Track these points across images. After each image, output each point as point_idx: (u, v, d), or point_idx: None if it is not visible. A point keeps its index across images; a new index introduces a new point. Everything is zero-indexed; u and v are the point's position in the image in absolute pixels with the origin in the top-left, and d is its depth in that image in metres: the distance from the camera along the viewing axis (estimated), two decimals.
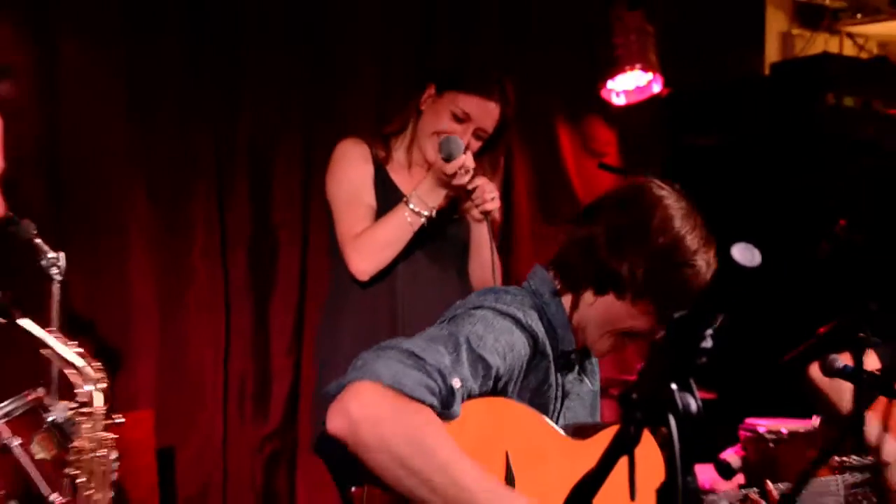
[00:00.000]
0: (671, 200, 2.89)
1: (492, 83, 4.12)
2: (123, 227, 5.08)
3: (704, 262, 2.83)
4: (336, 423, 2.52)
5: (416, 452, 2.52)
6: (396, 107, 4.17)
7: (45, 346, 2.19)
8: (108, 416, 2.28)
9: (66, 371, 2.18)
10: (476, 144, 4.09)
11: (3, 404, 3.15)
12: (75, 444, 2.20)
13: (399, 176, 4.15)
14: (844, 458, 3.27)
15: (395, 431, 2.51)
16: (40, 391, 3.17)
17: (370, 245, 3.96)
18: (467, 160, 3.90)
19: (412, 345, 2.62)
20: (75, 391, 2.28)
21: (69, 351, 2.14)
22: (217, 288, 5.37)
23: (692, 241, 2.83)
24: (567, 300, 2.98)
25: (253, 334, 5.49)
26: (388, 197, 4.06)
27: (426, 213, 3.92)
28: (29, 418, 3.15)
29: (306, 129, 5.59)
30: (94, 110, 5.02)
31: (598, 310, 2.94)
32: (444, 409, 2.58)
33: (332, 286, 4.20)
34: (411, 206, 3.93)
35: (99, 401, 2.19)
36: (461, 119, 4.05)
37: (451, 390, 2.58)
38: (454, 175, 3.88)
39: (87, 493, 2.15)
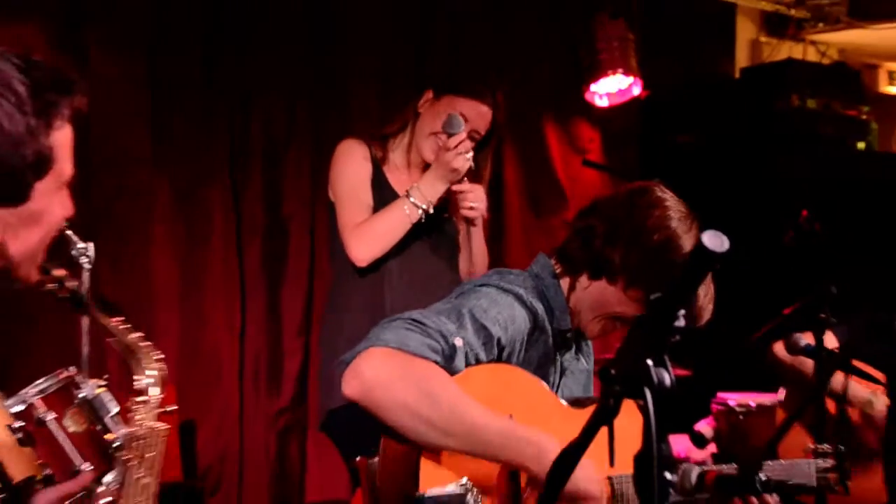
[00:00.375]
0: (671, 203, 2.89)
1: (485, 88, 4.13)
2: (147, 220, 5.10)
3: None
4: (351, 386, 2.58)
5: (425, 400, 2.56)
6: (396, 109, 4.15)
7: (111, 335, 2.15)
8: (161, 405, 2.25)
9: (128, 359, 2.14)
10: (469, 145, 4.05)
11: (37, 382, 3.12)
12: (131, 429, 2.17)
13: (394, 176, 4.14)
14: (818, 446, 3.26)
15: (403, 385, 2.56)
16: (72, 370, 3.14)
17: (370, 233, 3.95)
18: (468, 161, 3.91)
19: (417, 314, 2.67)
20: (134, 378, 2.25)
21: (135, 341, 2.11)
22: (233, 275, 5.38)
23: (686, 241, 2.82)
24: (565, 283, 2.98)
25: (266, 317, 5.50)
26: (383, 195, 4.05)
27: (424, 206, 3.91)
28: (62, 395, 3.13)
29: (314, 131, 5.58)
30: (121, 115, 5.02)
31: (591, 294, 2.94)
32: (448, 363, 2.62)
33: (334, 277, 4.20)
34: (412, 199, 3.92)
35: (156, 390, 2.13)
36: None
37: (453, 348, 2.63)
38: (458, 157, 3.89)
39: (137, 476, 2.15)
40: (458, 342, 2.64)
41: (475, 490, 2.61)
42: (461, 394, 2.61)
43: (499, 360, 2.79)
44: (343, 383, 2.58)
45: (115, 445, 2.78)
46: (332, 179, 4.11)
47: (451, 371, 2.62)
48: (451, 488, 2.59)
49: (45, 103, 1.85)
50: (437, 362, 2.59)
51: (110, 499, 2.26)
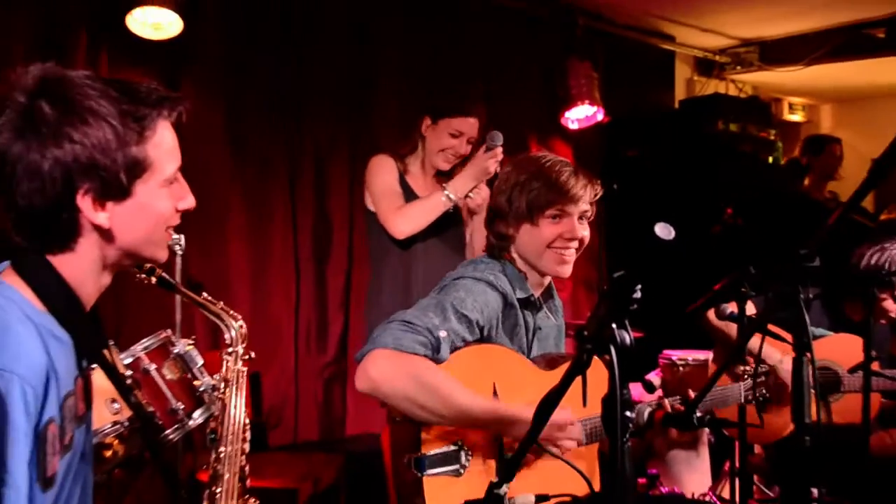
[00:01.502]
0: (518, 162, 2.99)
1: (470, 105, 4.18)
2: (224, 215, 5.12)
3: (547, 174, 2.90)
4: (361, 383, 2.60)
5: (420, 391, 2.58)
6: (411, 129, 4.17)
7: (200, 306, 2.16)
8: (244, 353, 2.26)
9: (217, 321, 2.15)
10: (468, 149, 4.12)
11: (143, 341, 3.13)
12: (218, 375, 2.18)
13: (414, 182, 4.15)
14: (745, 368, 3.26)
15: (402, 380, 2.58)
16: (168, 331, 3.15)
17: (411, 214, 3.99)
18: (497, 166, 3.95)
19: (408, 315, 2.66)
20: (224, 336, 2.29)
21: (217, 308, 2.12)
22: (289, 259, 5.39)
23: (536, 170, 2.91)
24: (510, 257, 2.99)
25: (315, 292, 5.51)
26: (407, 198, 4.08)
27: (454, 198, 3.95)
28: (160, 350, 3.14)
29: (350, 146, 5.59)
30: (204, 135, 5.03)
31: (524, 246, 2.96)
32: (435, 354, 2.62)
33: (373, 261, 4.22)
34: (447, 192, 3.96)
35: (239, 342, 2.20)
36: (456, 136, 4.10)
37: (438, 340, 2.63)
38: (492, 160, 3.94)
39: (231, 408, 2.19)
40: (443, 334, 2.64)
41: (466, 448, 2.64)
42: (450, 381, 2.62)
43: (480, 337, 2.79)
44: (355, 380, 2.62)
45: (202, 389, 2.79)
46: (369, 183, 4.13)
47: (439, 360, 2.63)
48: (447, 448, 2.62)
49: (136, 116, 1.82)
50: (427, 356, 2.60)
51: (213, 427, 2.23)
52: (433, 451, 2.61)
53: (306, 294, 5.44)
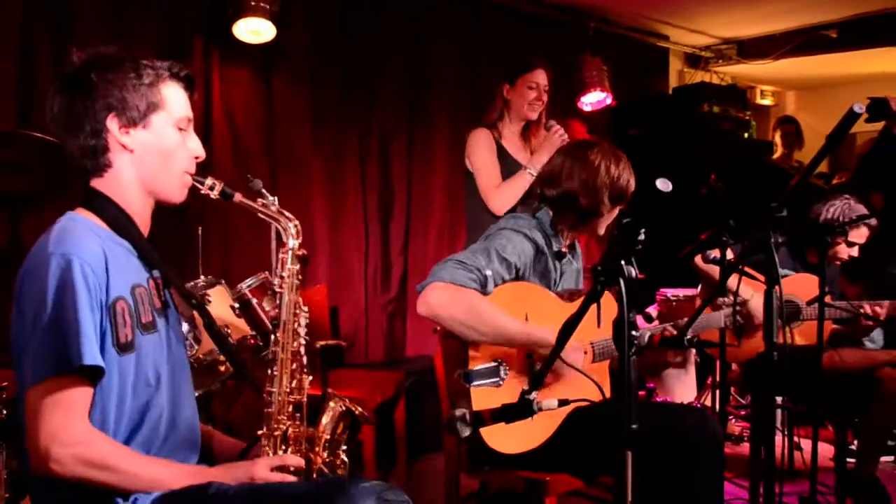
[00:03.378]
0: (592, 159, 2.87)
1: (535, 61, 4.10)
2: (308, 183, 5.09)
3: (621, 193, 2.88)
4: (422, 308, 2.64)
5: (470, 315, 2.60)
6: (464, 119, 4.11)
7: (256, 210, 2.13)
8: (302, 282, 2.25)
9: (274, 223, 2.14)
10: (546, 98, 4.07)
11: (246, 280, 3.17)
12: (290, 297, 2.17)
13: (509, 143, 4.06)
14: (724, 300, 3.24)
15: (455, 307, 2.60)
16: (265, 273, 3.18)
17: (506, 193, 3.90)
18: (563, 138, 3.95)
19: (461, 256, 2.69)
20: (282, 238, 2.20)
21: (274, 212, 2.09)
22: (360, 216, 5.36)
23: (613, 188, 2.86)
24: (554, 218, 2.95)
25: (380, 243, 5.48)
26: (506, 160, 4.00)
27: (533, 173, 3.83)
28: (260, 288, 3.17)
29: (408, 130, 5.55)
30: (292, 120, 5.02)
31: (564, 220, 2.96)
32: (483, 288, 2.65)
33: (469, 214, 4.13)
34: (529, 170, 3.87)
35: (294, 239, 2.16)
36: (533, 87, 4.02)
37: (485, 277, 2.65)
38: (556, 136, 3.94)
39: (286, 298, 2.09)
40: (489, 273, 2.66)
41: (504, 364, 2.65)
42: (494, 308, 2.63)
43: (517, 277, 2.80)
44: (417, 306, 2.64)
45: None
46: (470, 154, 4.03)
47: (485, 292, 2.65)
48: (490, 364, 2.64)
49: (151, 69, 1.96)
50: (475, 289, 2.62)
51: (275, 314, 2.22)
52: (478, 366, 2.62)
53: (373, 245, 5.41)
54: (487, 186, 3.93)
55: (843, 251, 4.18)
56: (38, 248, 1.81)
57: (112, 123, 1.91)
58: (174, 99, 1.99)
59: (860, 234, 4.16)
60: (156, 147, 1.96)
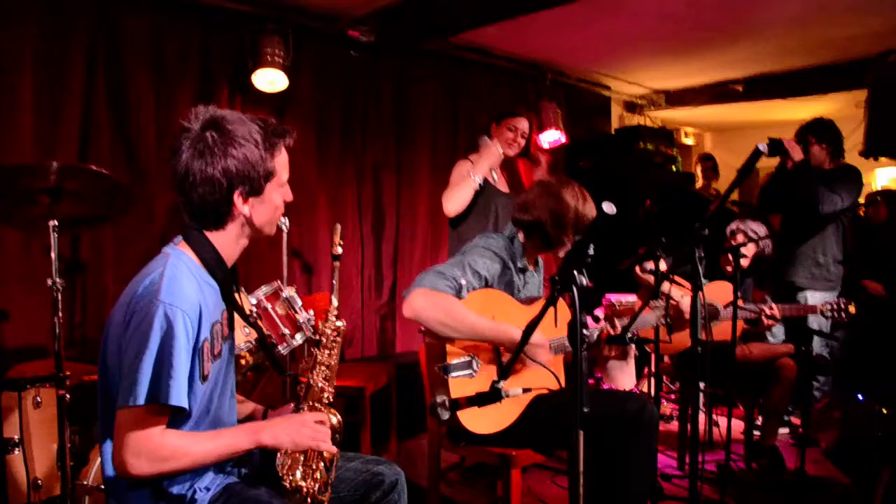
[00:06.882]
0: (559, 193, 2.83)
1: (520, 110, 4.06)
2: (313, 207, 5.03)
3: (575, 213, 2.79)
4: (407, 311, 2.60)
5: (447, 317, 2.58)
6: (442, 156, 4.05)
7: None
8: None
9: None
10: (523, 142, 4.02)
11: (262, 287, 3.11)
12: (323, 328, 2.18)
13: (489, 175, 4.02)
14: (658, 303, 3.23)
15: (435, 310, 2.57)
16: (278, 282, 3.13)
17: (454, 195, 3.83)
18: (500, 154, 3.92)
19: (440, 267, 2.67)
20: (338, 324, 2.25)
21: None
22: (356, 235, 5.31)
23: (567, 210, 2.79)
24: (521, 239, 2.93)
25: (374, 256, 5.43)
26: (486, 188, 3.93)
27: (478, 180, 3.83)
28: (274, 294, 3.12)
29: (396, 165, 5.51)
30: (301, 153, 4.93)
31: (529, 246, 2.94)
32: (458, 294, 2.63)
33: (454, 235, 4.01)
34: (475, 178, 3.83)
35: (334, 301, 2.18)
36: (513, 130, 3.98)
37: (460, 286, 2.64)
38: (492, 148, 3.90)
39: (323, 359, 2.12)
40: (463, 282, 2.64)
41: (476, 358, 2.62)
42: (467, 310, 2.60)
43: (486, 286, 2.77)
44: (403, 309, 2.60)
45: (301, 321, 2.75)
46: (452, 174, 3.98)
47: (460, 297, 2.63)
48: (464, 358, 2.61)
49: (271, 142, 1.89)
50: (452, 294, 2.60)
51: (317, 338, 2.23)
52: (455, 360, 2.59)
53: (368, 258, 5.37)
54: (444, 195, 3.89)
55: (746, 262, 4.22)
56: (148, 290, 1.76)
57: (238, 198, 1.85)
58: (282, 164, 1.94)
59: (749, 249, 4.20)
60: (267, 211, 1.93)
